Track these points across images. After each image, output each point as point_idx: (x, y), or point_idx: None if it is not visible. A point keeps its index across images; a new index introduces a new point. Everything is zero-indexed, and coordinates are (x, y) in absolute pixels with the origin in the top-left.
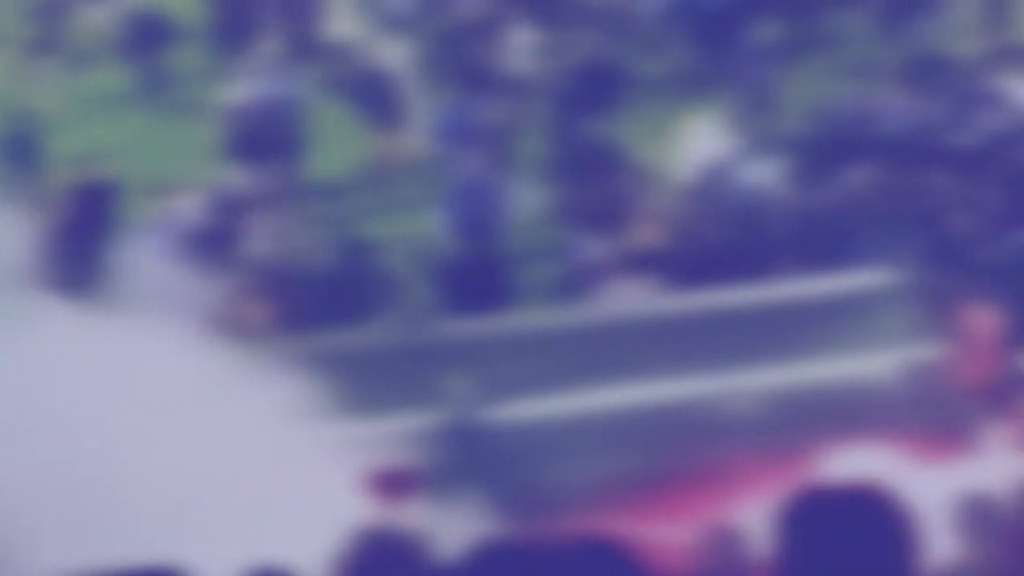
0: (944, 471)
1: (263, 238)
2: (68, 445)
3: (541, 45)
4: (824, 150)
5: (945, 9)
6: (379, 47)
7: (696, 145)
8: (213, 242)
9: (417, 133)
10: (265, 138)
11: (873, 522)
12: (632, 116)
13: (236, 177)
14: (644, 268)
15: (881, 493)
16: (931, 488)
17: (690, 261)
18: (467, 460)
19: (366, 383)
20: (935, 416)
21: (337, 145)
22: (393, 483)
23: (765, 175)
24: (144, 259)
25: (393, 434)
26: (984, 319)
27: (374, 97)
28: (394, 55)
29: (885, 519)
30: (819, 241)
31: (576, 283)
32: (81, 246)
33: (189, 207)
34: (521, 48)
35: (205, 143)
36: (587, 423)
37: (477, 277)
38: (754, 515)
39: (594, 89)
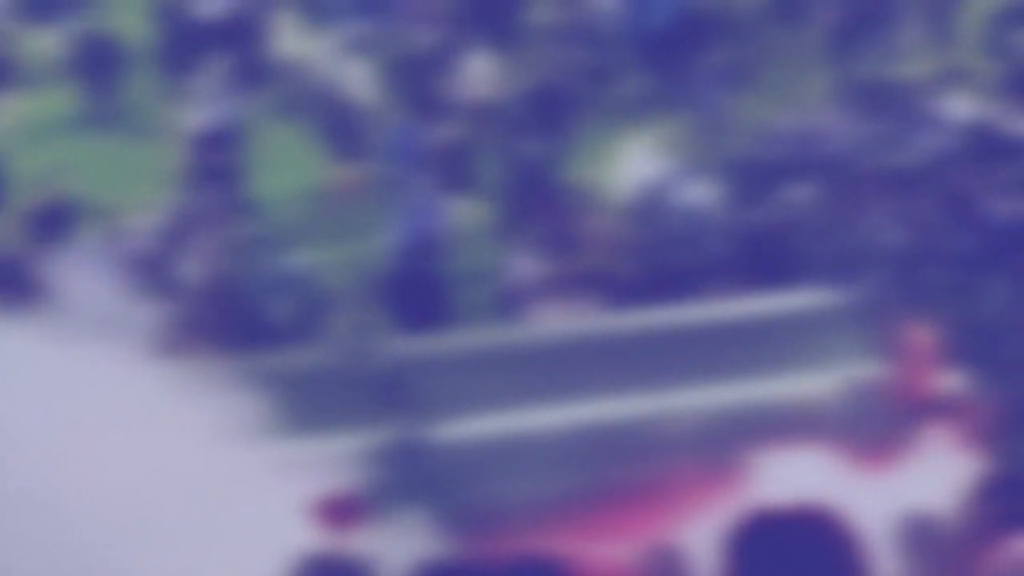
0: (885, 489)
1: (207, 260)
2: (9, 463)
3: (495, 70)
4: (767, 171)
5: (889, 32)
6: (335, 70)
7: (634, 166)
8: (158, 264)
9: (371, 156)
10: (214, 161)
11: (819, 544)
12: (580, 139)
13: (184, 200)
14: (585, 288)
15: (827, 515)
16: (873, 506)
17: (630, 281)
18: (410, 480)
19: (309, 403)
20: (876, 433)
21: (288, 167)
22: (339, 510)
23: (702, 196)
24: (90, 280)
25: (336, 455)
26: (922, 336)
27: (330, 120)
28: (351, 79)
29: (831, 541)
30: (761, 260)
31: (517, 303)
32: (31, 266)
33: (137, 229)
34: (476, 73)
35: (157, 166)
36: (529, 442)
37: (421, 297)
38: (695, 534)
39: (545, 113)
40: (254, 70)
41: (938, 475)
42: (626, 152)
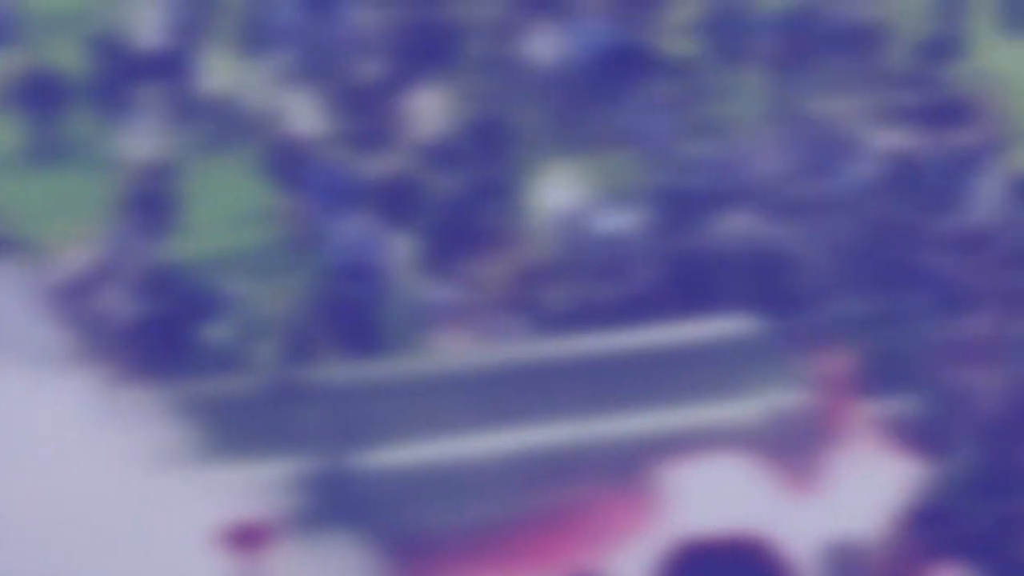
0: (807, 516)
1: (131, 291)
2: None
3: (441, 104)
4: (693, 199)
5: (822, 64)
6: (275, 101)
7: (555, 196)
8: (89, 293)
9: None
10: (150, 192)
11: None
12: (511, 171)
13: (114, 233)
14: (511, 316)
15: (757, 544)
16: (796, 533)
17: (556, 309)
18: (339, 507)
19: (239, 430)
20: (798, 460)
21: (224, 197)
22: (247, 537)
23: (622, 224)
24: (14, 310)
25: (260, 481)
26: (841, 364)
27: (269, 151)
28: (292, 109)
29: (762, 569)
30: (684, 288)
31: (444, 332)
32: None
33: (67, 261)
34: (421, 107)
35: (93, 199)
36: (457, 470)
37: (352, 326)
38: (622, 560)
39: (478, 146)
40: (191, 102)
41: (860, 502)
42: (549, 182)
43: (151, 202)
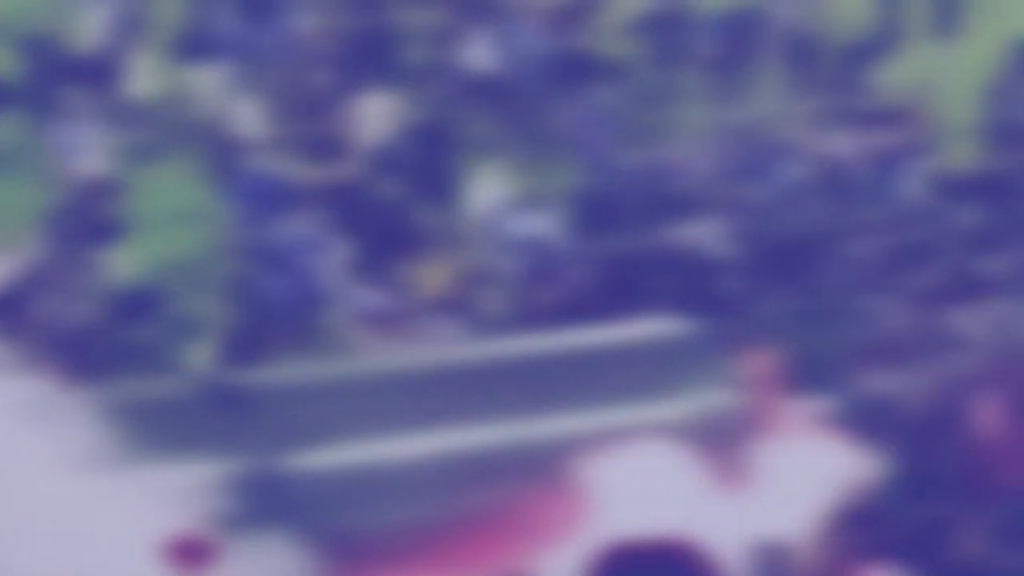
0: (737, 514)
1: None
2: None
3: (387, 110)
4: (619, 203)
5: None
6: (220, 107)
7: (481, 198)
8: (19, 301)
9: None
10: (87, 198)
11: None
12: (447, 176)
13: (50, 239)
14: (440, 319)
15: (685, 546)
16: (725, 533)
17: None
18: (267, 508)
19: (166, 432)
20: (726, 460)
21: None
22: (189, 551)
23: (543, 227)
24: None
25: (193, 483)
26: (767, 364)
27: (211, 156)
28: (237, 116)
29: (690, 572)
30: (614, 291)
31: (372, 333)
32: None
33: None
34: (367, 113)
35: (29, 205)
36: (387, 471)
37: (280, 328)
38: (552, 561)
39: (416, 152)
40: (129, 108)
41: (789, 500)
42: (476, 185)
43: (90, 209)
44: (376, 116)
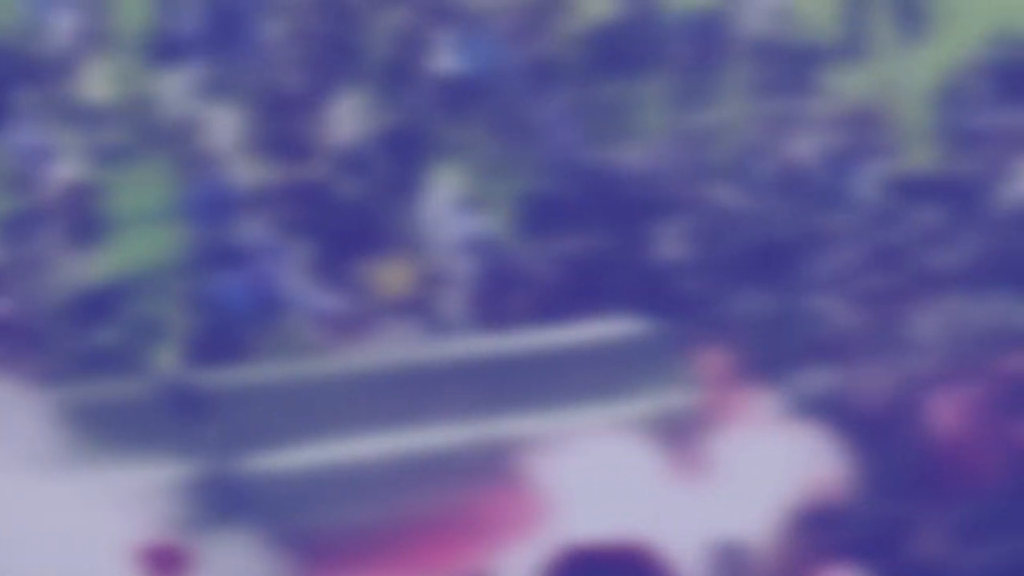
0: (696, 513)
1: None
2: None
3: (358, 112)
4: (570, 204)
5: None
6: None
7: (432, 201)
8: None
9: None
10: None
11: None
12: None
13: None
14: (399, 320)
15: (641, 551)
16: (684, 533)
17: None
18: (227, 510)
19: (126, 434)
20: (685, 457)
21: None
22: (163, 559)
23: (495, 227)
24: None
25: (152, 485)
26: (722, 360)
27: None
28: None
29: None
30: (570, 292)
31: (331, 334)
32: None
33: None
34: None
35: None
36: (344, 471)
37: (243, 331)
38: (512, 560)
39: (383, 154)
40: (91, 110)
41: (748, 501)
42: (433, 187)
43: (55, 212)
44: (345, 118)
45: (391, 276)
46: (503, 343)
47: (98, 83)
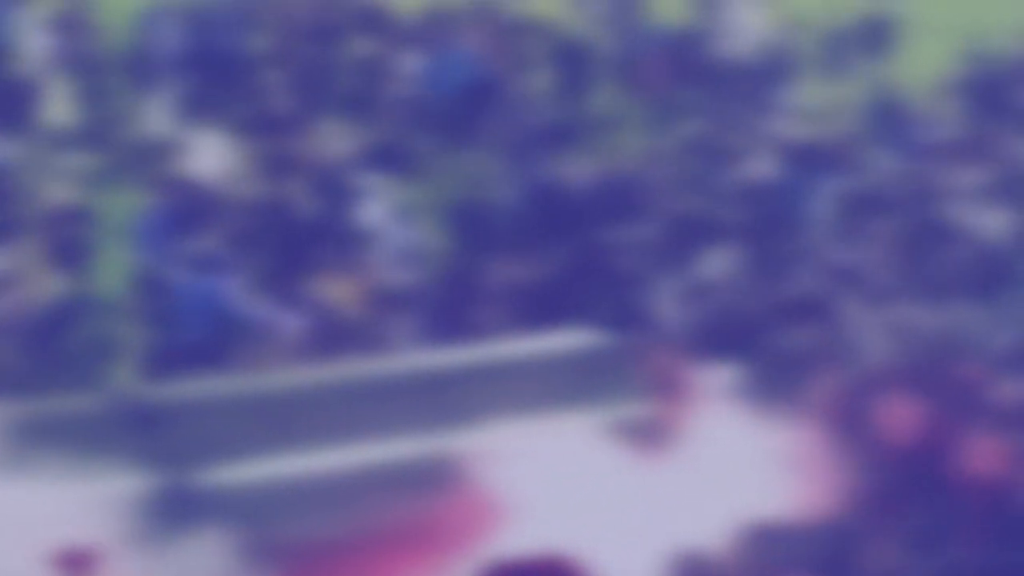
0: (652, 527)
1: None
2: None
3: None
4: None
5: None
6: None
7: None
8: None
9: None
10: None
11: None
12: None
13: None
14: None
15: (566, 564)
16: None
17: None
18: (179, 523)
19: (79, 448)
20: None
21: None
22: (75, 560)
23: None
24: None
25: (107, 498)
26: (672, 365)
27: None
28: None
29: None
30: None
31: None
32: None
33: None
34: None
35: None
36: (301, 484)
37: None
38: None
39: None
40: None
41: (702, 514)
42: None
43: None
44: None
45: (340, 292)
46: (460, 356)
47: (67, 106)
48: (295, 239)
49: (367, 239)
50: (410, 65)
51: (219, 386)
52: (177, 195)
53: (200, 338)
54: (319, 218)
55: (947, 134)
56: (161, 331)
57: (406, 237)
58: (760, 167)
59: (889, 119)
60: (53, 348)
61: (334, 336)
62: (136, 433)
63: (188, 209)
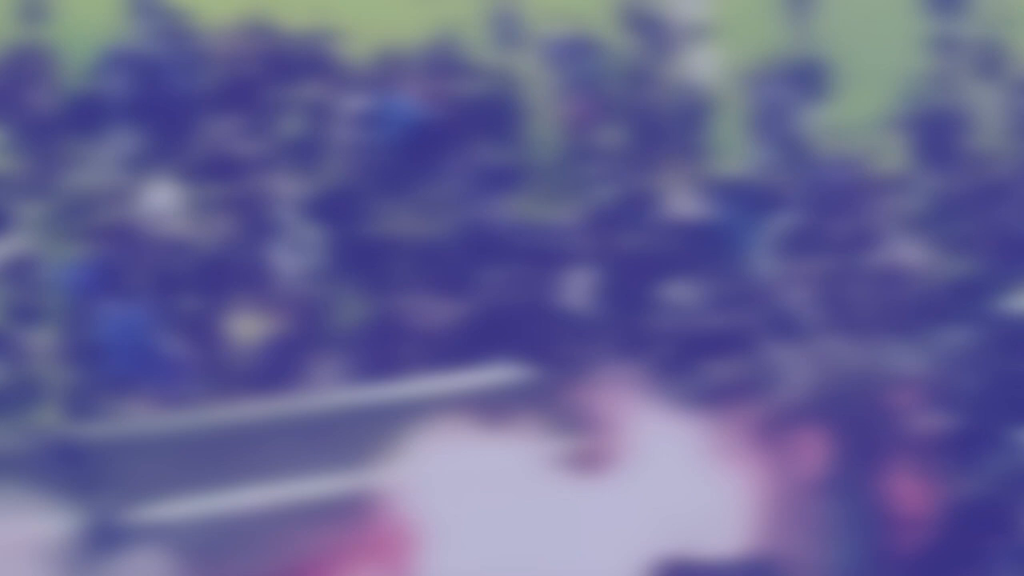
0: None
1: None
2: None
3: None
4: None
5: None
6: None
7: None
8: None
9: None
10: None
11: None
12: None
13: None
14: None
15: None
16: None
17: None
18: (108, 562)
19: (5, 488)
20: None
21: None
22: None
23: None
24: None
25: (32, 538)
26: (603, 396)
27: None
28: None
29: None
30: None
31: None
32: None
33: None
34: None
35: None
36: (222, 522)
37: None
38: None
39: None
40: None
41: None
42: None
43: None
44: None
45: (246, 327)
46: (385, 392)
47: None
48: (214, 277)
49: (291, 278)
50: (355, 108)
51: (145, 424)
52: (117, 243)
53: (123, 372)
54: (240, 257)
55: (861, 174)
56: (86, 367)
57: (330, 275)
58: (690, 205)
59: (803, 161)
60: None
61: (251, 374)
62: (62, 472)
63: (126, 256)
